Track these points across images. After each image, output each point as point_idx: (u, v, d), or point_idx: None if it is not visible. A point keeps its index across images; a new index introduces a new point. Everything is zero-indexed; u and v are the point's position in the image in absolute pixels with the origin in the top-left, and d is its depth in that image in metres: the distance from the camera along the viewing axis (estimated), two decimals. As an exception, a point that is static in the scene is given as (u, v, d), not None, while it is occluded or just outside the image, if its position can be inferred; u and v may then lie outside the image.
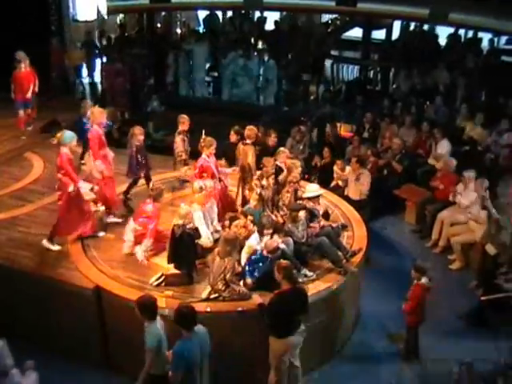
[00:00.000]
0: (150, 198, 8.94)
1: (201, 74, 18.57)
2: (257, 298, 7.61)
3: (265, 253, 8.10)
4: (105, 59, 19.03)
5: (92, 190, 9.29)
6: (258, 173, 9.93)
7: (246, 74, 17.67)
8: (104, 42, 20.23)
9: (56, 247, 9.12)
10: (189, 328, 6.43)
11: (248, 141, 10.34)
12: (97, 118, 9.73)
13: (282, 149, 10.72)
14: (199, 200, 8.98)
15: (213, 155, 9.84)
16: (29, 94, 13.54)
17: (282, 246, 8.29)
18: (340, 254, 8.75)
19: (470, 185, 11.12)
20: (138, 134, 10.14)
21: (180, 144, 10.97)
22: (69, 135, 8.91)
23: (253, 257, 8.19)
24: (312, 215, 9.28)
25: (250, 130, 10.37)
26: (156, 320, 6.69)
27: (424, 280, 8.20)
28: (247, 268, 8.11)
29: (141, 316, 6.64)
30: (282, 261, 7.54)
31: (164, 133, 14.88)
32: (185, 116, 11.02)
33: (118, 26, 21.54)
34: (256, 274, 8.04)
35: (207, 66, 19.15)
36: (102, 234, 9.50)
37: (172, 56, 18.61)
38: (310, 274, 8.45)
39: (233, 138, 11.02)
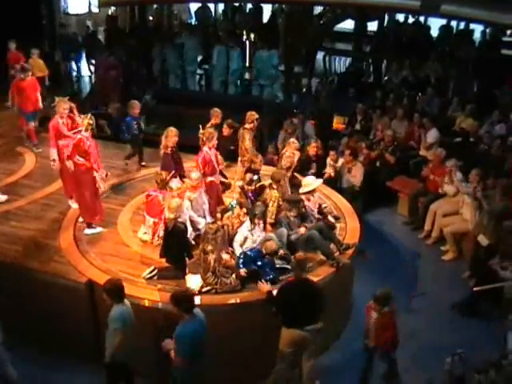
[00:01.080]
0: (158, 187, 9.03)
1: (192, 67, 18.51)
2: (264, 287, 7.69)
3: (263, 251, 8.16)
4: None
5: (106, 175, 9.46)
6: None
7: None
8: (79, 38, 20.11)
9: (98, 229, 9.37)
10: (188, 311, 6.53)
11: (246, 125, 10.39)
12: (59, 108, 9.91)
13: (292, 139, 10.90)
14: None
15: (214, 148, 9.81)
16: (39, 104, 12.85)
17: (281, 251, 8.42)
18: (332, 246, 8.78)
19: (455, 173, 11.25)
20: (172, 136, 10.00)
21: None
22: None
23: (249, 252, 8.24)
24: (305, 216, 9.33)
25: (250, 115, 10.52)
26: (123, 302, 6.83)
27: (388, 308, 7.43)
28: (241, 260, 8.14)
29: (109, 300, 6.78)
30: (300, 253, 7.84)
31: (156, 126, 14.79)
32: (217, 110, 10.92)
33: (109, 19, 21.43)
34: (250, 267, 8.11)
35: (199, 58, 19.10)
36: (99, 229, 9.47)
37: (158, 48, 18.49)
38: None
39: (226, 131, 11.05)
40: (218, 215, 9.25)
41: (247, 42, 19.56)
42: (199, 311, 6.72)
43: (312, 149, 12.21)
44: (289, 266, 8.33)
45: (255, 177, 9.75)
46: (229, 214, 8.97)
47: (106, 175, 9.29)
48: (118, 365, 6.94)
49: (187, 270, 8.12)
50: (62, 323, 8.21)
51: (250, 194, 9.55)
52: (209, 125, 10.64)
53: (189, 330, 6.49)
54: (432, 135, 13.36)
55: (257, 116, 10.61)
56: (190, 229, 8.75)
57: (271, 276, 8.00)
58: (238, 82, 18.26)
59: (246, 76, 18.45)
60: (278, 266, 8.31)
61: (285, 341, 7.33)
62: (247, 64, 18.69)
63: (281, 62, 17.90)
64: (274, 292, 7.51)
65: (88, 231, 9.30)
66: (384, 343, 7.56)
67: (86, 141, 9.02)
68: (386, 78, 18.60)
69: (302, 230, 8.89)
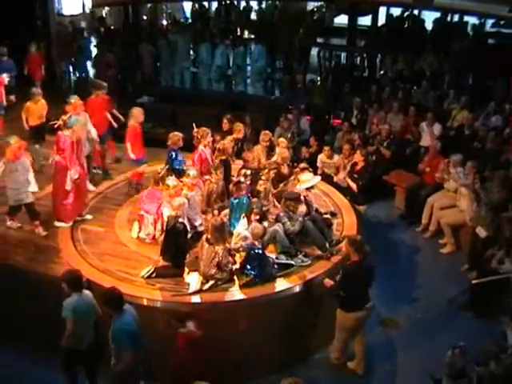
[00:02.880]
0: (155, 183, 9.12)
1: (185, 65, 18.50)
2: (328, 282, 7.82)
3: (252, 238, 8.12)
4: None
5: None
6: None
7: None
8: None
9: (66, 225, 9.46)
10: (119, 309, 6.65)
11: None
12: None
13: (281, 139, 10.97)
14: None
15: (208, 146, 9.84)
16: (105, 127, 11.47)
17: (276, 227, 8.53)
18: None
19: (457, 168, 11.20)
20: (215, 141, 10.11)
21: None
22: (74, 119, 9.32)
23: (253, 253, 8.02)
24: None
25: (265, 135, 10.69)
26: (81, 293, 6.92)
27: (184, 329, 7.09)
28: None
29: (67, 289, 6.87)
30: (352, 234, 8.16)
31: (152, 124, 14.75)
32: (241, 124, 10.80)
33: (99, 19, 21.41)
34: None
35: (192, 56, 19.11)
36: (89, 216, 9.74)
37: (144, 46, 18.44)
38: (305, 259, 8.50)
39: (225, 126, 11.08)
40: (216, 212, 9.25)
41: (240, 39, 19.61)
42: (129, 306, 6.82)
43: (358, 156, 12.12)
44: (293, 262, 8.38)
45: (248, 172, 9.75)
46: (226, 211, 8.97)
47: (78, 178, 9.32)
48: (71, 350, 7.01)
49: (186, 269, 8.13)
50: (60, 323, 8.19)
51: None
52: (232, 137, 10.63)
53: (123, 324, 6.57)
54: (437, 129, 13.34)
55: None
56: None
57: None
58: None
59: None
60: (281, 261, 8.34)
61: (344, 324, 7.78)
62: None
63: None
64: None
65: (57, 223, 9.50)
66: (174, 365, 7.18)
67: (62, 138, 9.16)
68: (381, 72, 18.57)
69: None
